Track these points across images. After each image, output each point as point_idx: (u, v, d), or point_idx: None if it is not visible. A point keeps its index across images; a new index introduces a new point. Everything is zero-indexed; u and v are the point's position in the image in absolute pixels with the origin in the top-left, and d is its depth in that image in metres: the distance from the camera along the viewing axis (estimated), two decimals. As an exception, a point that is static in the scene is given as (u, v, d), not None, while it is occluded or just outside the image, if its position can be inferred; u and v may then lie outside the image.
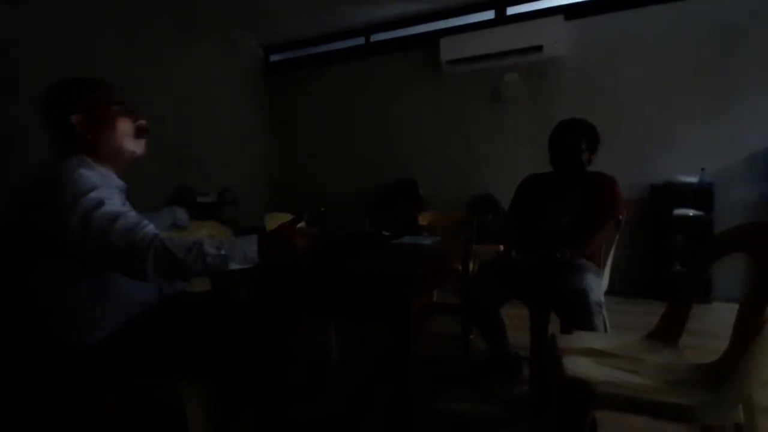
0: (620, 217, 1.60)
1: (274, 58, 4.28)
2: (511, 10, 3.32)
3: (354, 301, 1.06)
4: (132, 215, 0.85)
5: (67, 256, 0.84)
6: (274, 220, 1.87)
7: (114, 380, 0.90)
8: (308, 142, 4.23)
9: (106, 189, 0.88)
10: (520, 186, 1.85)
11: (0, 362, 0.97)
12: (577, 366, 1.00)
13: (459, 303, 1.75)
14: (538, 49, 3.07)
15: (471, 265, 2.29)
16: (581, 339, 1.19)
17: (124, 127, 1.00)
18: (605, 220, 1.56)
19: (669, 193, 2.80)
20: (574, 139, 1.61)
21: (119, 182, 1.03)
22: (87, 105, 0.95)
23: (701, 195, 2.72)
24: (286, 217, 2.11)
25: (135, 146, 1.03)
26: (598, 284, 1.46)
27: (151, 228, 0.85)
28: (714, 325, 2.09)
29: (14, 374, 0.95)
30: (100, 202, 0.83)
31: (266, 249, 0.89)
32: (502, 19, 3.34)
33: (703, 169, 2.72)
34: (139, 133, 1.03)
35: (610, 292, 1.65)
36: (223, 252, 0.84)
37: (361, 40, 3.91)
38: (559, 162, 1.67)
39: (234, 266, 0.85)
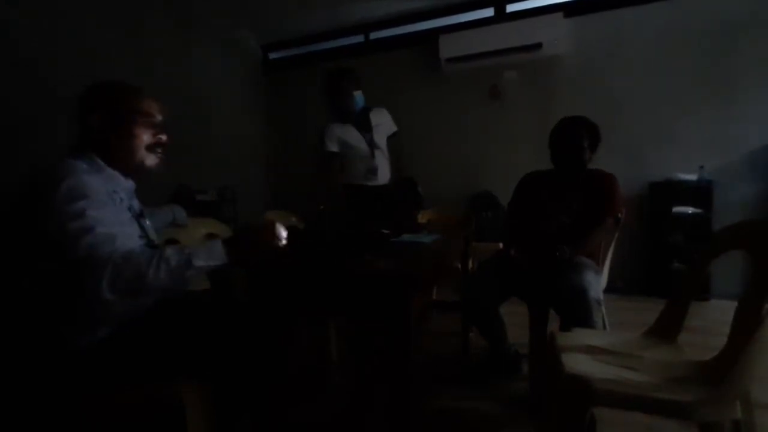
0: (619, 215, 1.60)
1: (273, 56, 4.27)
2: (511, 8, 3.32)
3: (353, 300, 1.06)
4: (102, 232, 0.82)
5: (53, 255, 0.85)
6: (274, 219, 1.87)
7: (113, 381, 0.90)
8: (307, 139, 4.22)
9: (96, 199, 0.87)
10: (520, 184, 1.84)
11: (0, 363, 0.97)
12: (576, 363, 1.00)
13: (458, 301, 1.75)
14: (538, 46, 3.07)
15: (470, 263, 2.29)
16: (580, 336, 1.20)
17: (141, 137, 1.01)
18: (604, 218, 1.56)
19: (668, 191, 2.80)
20: (577, 137, 1.60)
21: (128, 183, 1.05)
22: (108, 107, 0.97)
23: (700, 193, 2.72)
24: (284, 215, 2.12)
25: (146, 158, 1.03)
26: (597, 282, 1.46)
27: (118, 247, 0.82)
28: (712, 322, 2.10)
29: (14, 375, 0.95)
30: (81, 212, 0.82)
31: (233, 247, 0.89)
32: (501, 17, 3.34)
33: (702, 167, 2.73)
34: (151, 147, 1.03)
35: (609, 289, 1.66)
36: (186, 251, 0.84)
37: (360, 38, 3.90)
38: (560, 160, 1.66)
39: (199, 263, 0.85)
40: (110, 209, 0.91)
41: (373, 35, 3.85)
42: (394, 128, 2.35)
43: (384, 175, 2.30)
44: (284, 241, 0.97)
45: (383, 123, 2.29)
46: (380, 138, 2.27)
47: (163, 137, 1.07)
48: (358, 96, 2.21)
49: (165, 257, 0.81)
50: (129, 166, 1.02)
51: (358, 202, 2.25)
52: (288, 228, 1.01)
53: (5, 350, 0.96)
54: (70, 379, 0.90)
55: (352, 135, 2.22)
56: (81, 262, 0.79)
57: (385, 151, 2.31)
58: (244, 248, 0.92)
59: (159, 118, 1.05)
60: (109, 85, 1.01)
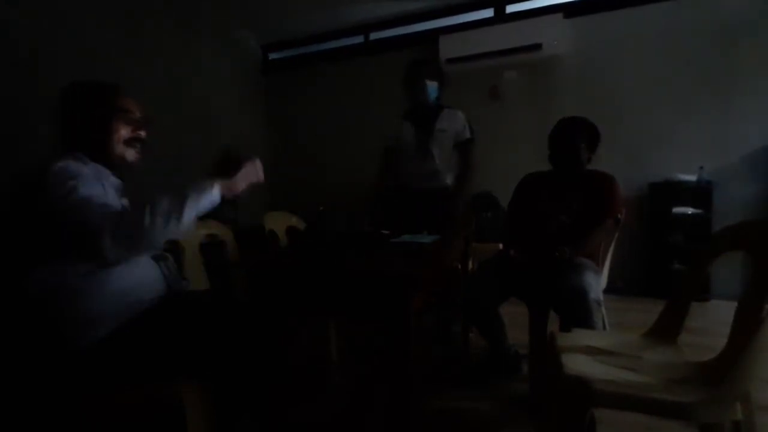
0: (619, 215, 1.60)
1: (273, 56, 4.27)
2: (511, 8, 3.32)
3: (353, 300, 1.06)
4: (99, 204, 0.87)
5: (48, 236, 0.87)
6: (274, 219, 1.87)
7: (113, 381, 0.90)
8: (307, 140, 4.23)
9: (87, 179, 0.91)
10: (520, 185, 1.85)
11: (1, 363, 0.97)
12: (576, 364, 1.00)
13: (459, 301, 1.75)
14: (538, 47, 3.07)
15: (470, 264, 2.30)
16: (580, 337, 1.20)
17: (119, 132, 1.04)
18: (603, 219, 1.57)
19: (668, 192, 2.80)
20: (573, 137, 1.61)
21: (114, 180, 1.07)
22: (86, 105, 1.01)
23: (700, 193, 2.72)
24: (285, 215, 2.12)
25: (125, 152, 1.06)
26: (597, 282, 1.46)
27: (113, 207, 0.88)
28: (712, 322, 2.10)
29: (14, 375, 0.95)
30: (73, 189, 0.86)
31: (219, 176, 0.99)
32: (501, 18, 3.34)
33: (701, 168, 2.73)
34: (130, 141, 1.06)
35: (609, 290, 1.66)
36: (183, 192, 0.89)
37: (360, 39, 3.89)
38: (558, 160, 1.67)
39: (192, 199, 0.90)
40: (100, 190, 0.94)
41: (373, 36, 3.85)
42: (467, 135, 2.21)
43: (434, 180, 2.17)
44: (262, 175, 1.10)
45: (450, 129, 2.16)
46: (441, 143, 2.15)
47: (142, 133, 1.09)
48: (431, 87, 2.12)
49: (158, 202, 0.86)
50: (109, 161, 1.04)
51: (396, 203, 2.19)
52: (289, 228, 1.03)
53: (6, 350, 0.96)
54: (70, 379, 0.90)
55: (409, 132, 2.17)
56: (79, 225, 0.82)
57: (445, 156, 2.17)
58: (230, 177, 1.02)
59: (138, 114, 1.08)
60: (86, 83, 1.04)
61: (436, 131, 2.13)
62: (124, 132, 1.05)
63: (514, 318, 1.71)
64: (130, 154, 1.07)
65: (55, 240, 0.88)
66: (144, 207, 0.85)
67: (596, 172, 1.65)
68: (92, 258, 0.85)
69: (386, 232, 1.63)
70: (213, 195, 0.96)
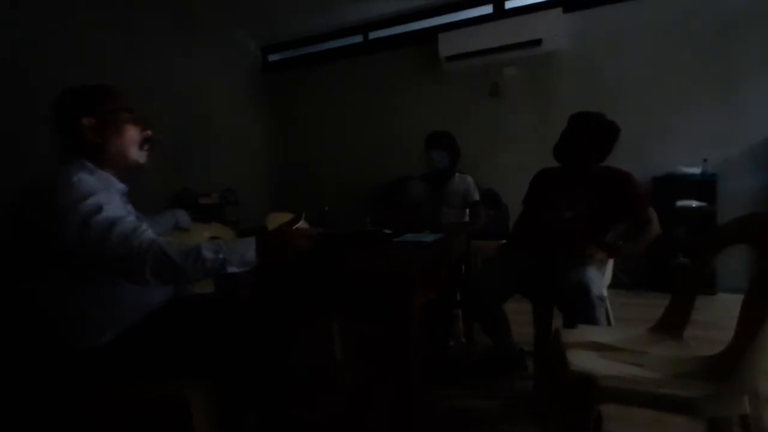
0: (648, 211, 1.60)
1: (273, 57, 4.27)
2: (510, 4, 3.31)
3: (355, 300, 1.05)
4: (130, 220, 0.85)
5: (66, 260, 0.85)
6: (275, 220, 1.87)
7: (119, 381, 0.91)
8: (308, 141, 4.24)
9: (104, 194, 0.88)
10: (531, 180, 1.86)
11: (5, 365, 0.97)
12: (582, 360, 0.99)
13: (462, 299, 1.74)
14: (537, 42, 3.06)
15: (473, 262, 2.29)
16: (585, 333, 1.19)
17: (132, 134, 1.02)
18: (632, 216, 1.57)
19: (672, 185, 2.79)
20: (580, 133, 1.58)
21: (120, 185, 1.04)
22: (98, 109, 0.97)
23: (704, 186, 2.71)
24: (287, 216, 2.12)
25: (138, 155, 1.04)
26: (599, 278, 1.45)
27: (149, 233, 0.85)
28: (719, 316, 2.08)
29: (20, 377, 0.96)
30: (99, 208, 0.83)
31: (264, 250, 0.90)
32: (500, 13, 3.33)
33: (705, 160, 2.71)
34: (143, 142, 1.04)
35: (614, 285, 1.65)
36: (221, 256, 0.84)
37: (359, 38, 3.89)
38: (563, 156, 1.65)
39: (232, 269, 0.86)
40: (117, 202, 0.93)
41: (372, 35, 3.85)
42: (475, 197, 2.39)
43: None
44: (309, 244, 0.97)
45: (459, 192, 2.36)
46: (451, 203, 2.36)
47: (150, 131, 1.07)
48: (439, 156, 2.29)
49: (201, 257, 0.82)
50: (123, 165, 1.02)
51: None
52: (305, 231, 1.01)
53: (12, 353, 0.97)
54: (77, 381, 0.90)
55: (423, 192, 2.41)
56: (117, 251, 0.80)
57: (453, 213, 2.36)
58: (274, 251, 0.92)
59: (140, 113, 1.05)
60: (90, 88, 1.00)
61: (448, 193, 2.35)
62: (134, 133, 1.02)
63: (518, 316, 1.70)
64: (141, 157, 1.05)
65: (71, 262, 0.85)
66: (188, 253, 0.82)
67: (612, 170, 1.62)
68: (129, 281, 0.83)
69: (388, 231, 1.62)
70: (251, 266, 0.90)
